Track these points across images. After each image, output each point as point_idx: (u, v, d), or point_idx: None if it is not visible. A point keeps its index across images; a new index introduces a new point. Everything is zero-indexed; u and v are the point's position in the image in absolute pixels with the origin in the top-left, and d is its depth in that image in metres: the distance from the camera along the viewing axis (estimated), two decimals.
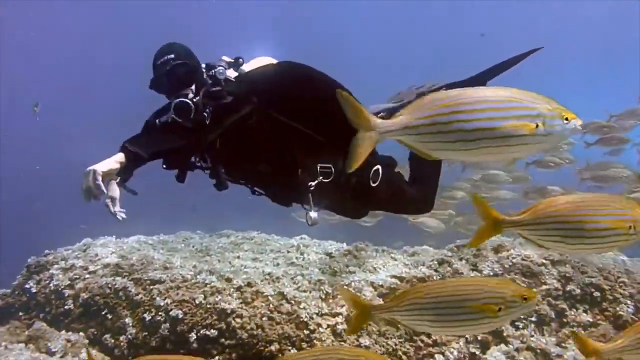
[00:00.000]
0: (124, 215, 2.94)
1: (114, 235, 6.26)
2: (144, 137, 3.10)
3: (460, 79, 3.81)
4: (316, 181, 3.33)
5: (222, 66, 3.22)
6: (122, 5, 22.74)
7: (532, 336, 4.39)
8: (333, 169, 3.36)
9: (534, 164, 8.26)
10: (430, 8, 25.63)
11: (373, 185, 3.49)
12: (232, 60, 3.31)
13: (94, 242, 5.82)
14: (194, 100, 3.05)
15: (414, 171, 4.01)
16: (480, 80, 3.77)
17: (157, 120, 3.13)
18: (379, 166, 3.50)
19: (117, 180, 3.13)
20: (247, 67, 3.38)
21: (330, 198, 3.53)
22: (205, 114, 3.04)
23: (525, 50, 3.57)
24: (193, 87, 3.13)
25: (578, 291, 4.56)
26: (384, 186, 3.55)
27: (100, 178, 2.63)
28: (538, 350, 4.21)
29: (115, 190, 3.02)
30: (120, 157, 2.79)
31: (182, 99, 3.04)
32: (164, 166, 3.21)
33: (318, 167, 3.34)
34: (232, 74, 3.28)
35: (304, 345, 4.27)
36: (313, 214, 3.40)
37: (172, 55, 3.14)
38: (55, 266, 5.11)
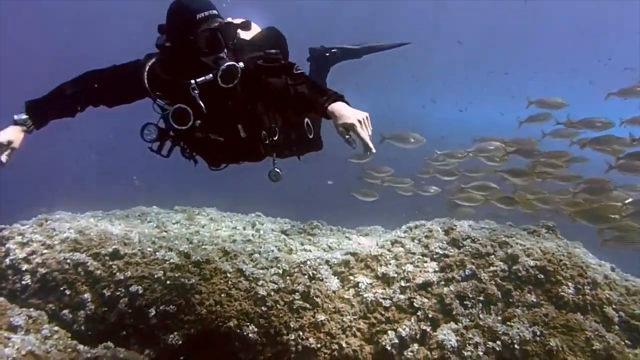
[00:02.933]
0: (3, 162, 2.94)
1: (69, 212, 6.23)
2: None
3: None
4: (268, 140, 3.53)
5: None
6: None
7: (480, 315, 4.60)
8: (277, 129, 3.58)
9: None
10: None
11: (310, 137, 3.87)
12: (238, 24, 3.25)
13: (50, 217, 5.75)
14: (239, 65, 3.06)
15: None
16: (359, 52, 5.16)
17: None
18: (307, 119, 3.82)
19: (30, 128, 3.12)
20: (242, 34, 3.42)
21: (280, 154, 3.83)
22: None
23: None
24: (225, 50, 3.09)
25: (523, 272, 4.79)
26: (316, 133, 3.94)
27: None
28: (485, 328, 4.42)
29: (19, 139, 3.03)
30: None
31: (233, 63, 3.03)
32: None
33: (270, 127, 3.55)
34: None
35: (262, 321, 4.38)
36: (278, 170, 3.69)
37: (216, 12, 3.06)
38: (12, 241, 5.04)
